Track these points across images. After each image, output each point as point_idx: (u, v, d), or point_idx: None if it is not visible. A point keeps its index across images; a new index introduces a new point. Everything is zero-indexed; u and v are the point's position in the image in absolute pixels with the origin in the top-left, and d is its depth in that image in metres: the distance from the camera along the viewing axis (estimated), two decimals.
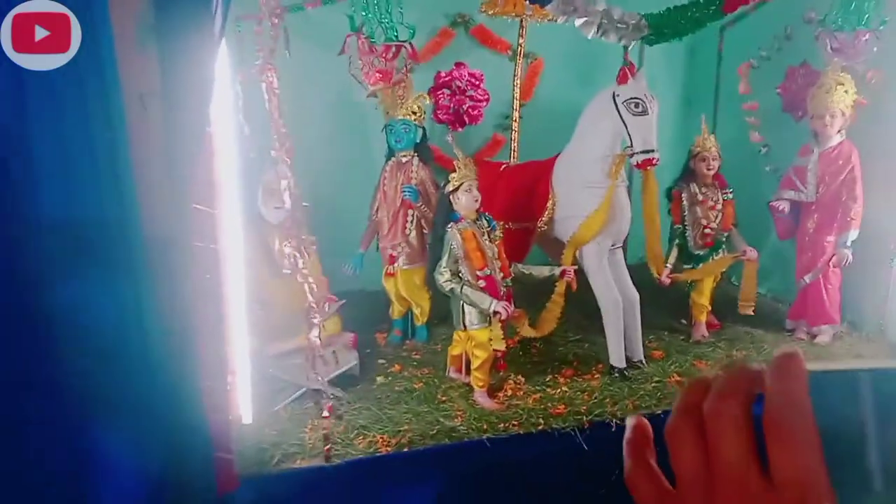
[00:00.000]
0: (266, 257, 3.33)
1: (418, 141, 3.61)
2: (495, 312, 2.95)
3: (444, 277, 3.00)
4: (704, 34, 4.64)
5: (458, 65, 4.26)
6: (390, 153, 3.63)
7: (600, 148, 3.18)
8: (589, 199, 3.20)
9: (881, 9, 3.36)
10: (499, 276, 3.07)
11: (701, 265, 3.66)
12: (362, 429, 2.78)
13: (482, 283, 2.98)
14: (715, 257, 3.65)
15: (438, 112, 4.27)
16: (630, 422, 0.57)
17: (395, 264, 3.61)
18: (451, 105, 4.28)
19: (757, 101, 4.12)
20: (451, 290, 3.01)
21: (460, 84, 4.25)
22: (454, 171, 3.02)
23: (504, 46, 4.14)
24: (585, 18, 2.77)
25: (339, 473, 2.55)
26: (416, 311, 3.70)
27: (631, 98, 3.05)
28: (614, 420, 2.90)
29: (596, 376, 3.25)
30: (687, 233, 3.68)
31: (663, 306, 3.91)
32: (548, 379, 3.23)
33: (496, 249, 3.10)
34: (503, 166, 3.70)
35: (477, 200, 3.04)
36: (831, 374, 0.47)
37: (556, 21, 3.25)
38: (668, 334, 3.74)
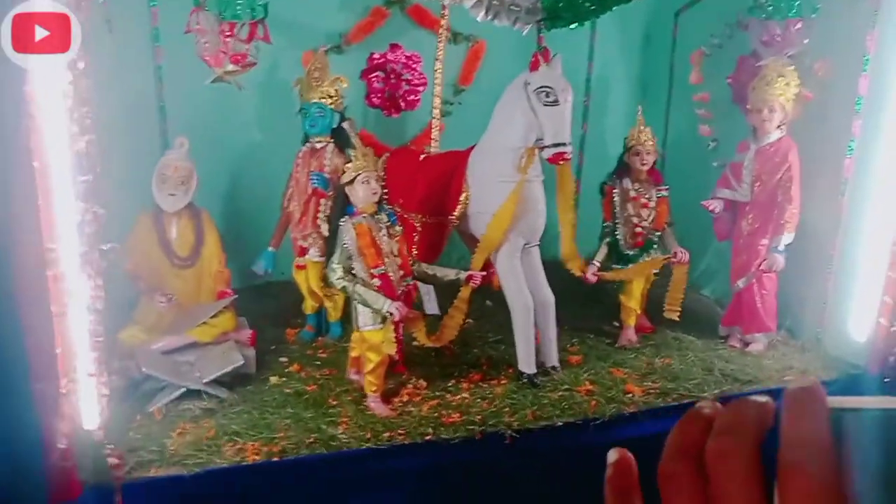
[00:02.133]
0: (164, 247, 3.17)
1: (335, 126, 3.41)
2: (389, 314, 2.78)
3: (336, 275, 2.82)
4: (660, 19, 4.40)
5: (393, 46, 4.04)
6: (305, 138, 3.44)
7: (513, 140, 2.96)
8: (502, 195, 2.97)
9: None
10: (397, 274, 2.89)
11: (630, 265, 3.43)
12: (234, 435, 2.62)
13: (377, 282, 2.81)
14: (646, 258, 3.42)
15: (371, 96, 4.07)
16: (612, 457, 0.49)
17: (306, 256, 3.43)
18: (386, 89, 4.08)
19: (708, 92, 3.87)
20: (343, 288, 2.84)
21: (395, 67, 4.04)
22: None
23: None
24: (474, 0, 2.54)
25: (195, 483, 2.39)
26: (329, 305, 3.51)
27: (542, 87, 2.81)
28: (509, 431, 2.72)
29: (503, 381, 3.06)
30: (618, 231, 3.46)
31: (595, 307, 3.69)
32: (450, 384, 3.04)
33: (395, 246, 2.91)
34: (423, 155, 3.48)
35: (375, 193, 2.85)
36: (856, 412, 0.41)
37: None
38: (593, 337, 3.51)
